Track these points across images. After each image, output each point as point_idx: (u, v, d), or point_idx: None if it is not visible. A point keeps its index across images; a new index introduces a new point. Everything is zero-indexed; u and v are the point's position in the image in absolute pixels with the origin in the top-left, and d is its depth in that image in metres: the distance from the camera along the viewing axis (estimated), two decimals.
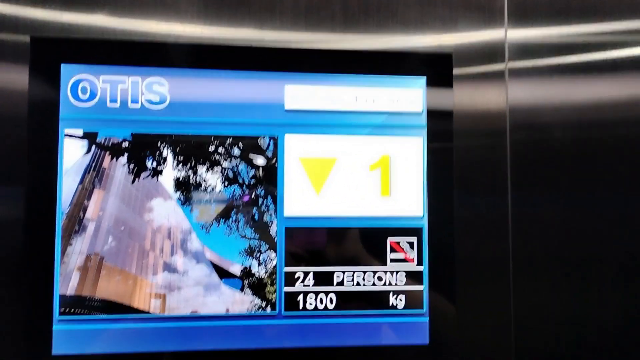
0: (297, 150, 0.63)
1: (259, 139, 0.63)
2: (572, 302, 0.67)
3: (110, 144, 0.60)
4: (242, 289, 0.61)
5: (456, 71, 0.67)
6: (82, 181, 0.60)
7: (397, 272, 0.64)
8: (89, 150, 0.60)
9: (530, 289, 0.66)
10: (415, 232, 0.64)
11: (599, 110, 0.69)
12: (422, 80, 0.66)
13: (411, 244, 0.64)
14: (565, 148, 0.68)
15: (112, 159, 0.60)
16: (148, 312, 0.60)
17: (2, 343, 0.57)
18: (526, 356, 0.65)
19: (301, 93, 0.64)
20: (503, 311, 0.66)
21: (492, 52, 0.68)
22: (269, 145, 0.63)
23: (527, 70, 0.69)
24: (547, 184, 0.67)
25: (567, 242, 0.67)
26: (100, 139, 0.60)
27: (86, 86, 0.60)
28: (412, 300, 0.64)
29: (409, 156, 0.65)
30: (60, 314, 0.58)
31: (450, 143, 0.66)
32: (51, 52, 0.60)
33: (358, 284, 0.63)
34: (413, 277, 0.64)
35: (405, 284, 0.64)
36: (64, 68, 0.60)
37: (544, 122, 0.68)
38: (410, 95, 0.65)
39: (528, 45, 0.69)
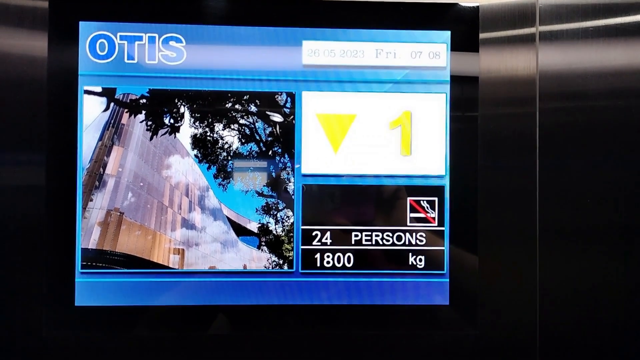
0: (314, 107, 0.62)
1: (276, 95, 0.62)
2: (599, 270, 0.64)
3: (128, 100, 0.61)
4: (259, 247, 0.61)
5: (483, 34, 0.63)
6: (101, 137, 0.60)
7: (416, 231, 0.62)
8: (107, 107, 0.60)
9: (557, 254, 0.64)
10: (437, 191, 0.62)
11: (636, 77, 0.64)
12: (447, 34, 0.63)
13: (432, 204, 0.62)
14: (599, 117, 0.64)
15: (130, 115, 0.61)
16: (167, 267, 0.60)
17: (28, 295, 0.59)
18: (551, 321, 0.63)
19: (319, 48, 0.62)
20: (527, 274, 0.63)
21: (521, 14, 0.64)
22: (286, 101, 0.62)
23: (559, 34, 0.65)
24: (578, 155, 0.64)
25: (597, 212, 0.64)
26: (118, 95, 0.60)
27: (104, 43, 0.60)
28: (432, 261, 0.62)
29: (431, 113, 0.63)
30: (82, 267, 0.59)
31: (475, 107, 0.63)
32: (70, 9, 0.60)
33: (377, 243, 0.62)
34: (434, 237, 0.62)
35: (425, 244, 0.62)
36: (82, 25, 0.60)
37: (577, 90, 0.64)
38: (433, 50, 0.63)
39: (561, 7, 0.65)
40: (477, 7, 0.63)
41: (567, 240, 0.64)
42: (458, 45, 0.63)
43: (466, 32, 0.63)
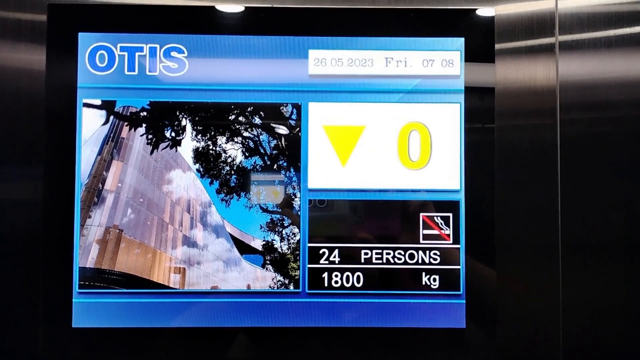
0: (321, 118, 0.59)
1: (282, 106, 0.59)
2: (625, 286, 0.59)
3: (128, 113, 0.58)
4: (263, 265, 0.58)
5: (499, 44, 0.60)
6: (100, 152, 0.58)
7: (430, 249, 0.59)
8: (107, 120, 0.58)
9: (581, 270, 0.59)
10: (451, 206, 0.59)
11: None
12: (460, 41, 0.60)
13: (446, 220, 0.59)
14: (623, 128, 0.60)
15: (130, 128, 0.58)
16: (168, 287, 0.58)
17: (23, 315, 0.57)
18: (575, 342, 0.59)
19: (326, 57, 0.59)
20: (550, 295, 0.59)
21: (540, 24, 0.61)
22: (292, 113, 0.59)
23: (580, 43, 0.61)
24: (602, 169, 0.60)
25: (622, 226, 0.60)
26: (118, 108, 0.58)
27: (104, 54, 0.58)
28: (448, 281, 0.59)
29: (445, 124, 0.59)
30: (80, 287, 0.57)
31: (491, 118, 0.59)
32: (68, 20, 0.58)
33: (388, 261, 0.58)
34: (448, 255, 0.59)
35: (439, 263, 0.59)
36: (82, 37, 0.58)
37: (599, 101, 0.60)
38: (446, 57, 0.60)
39: (582, 15, 0.61)
40: (492, 10, 0.60)
41: (591, 256, 0.60)
42: (473, 53, 0.60)
43: (481, 39, 0.60)
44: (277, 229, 0.59)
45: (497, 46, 0.60)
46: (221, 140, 0.59)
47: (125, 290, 0.57)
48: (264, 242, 0.58)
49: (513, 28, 0.61)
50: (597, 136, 0.60)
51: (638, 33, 0.61)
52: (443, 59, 0.60)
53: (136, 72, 0.58)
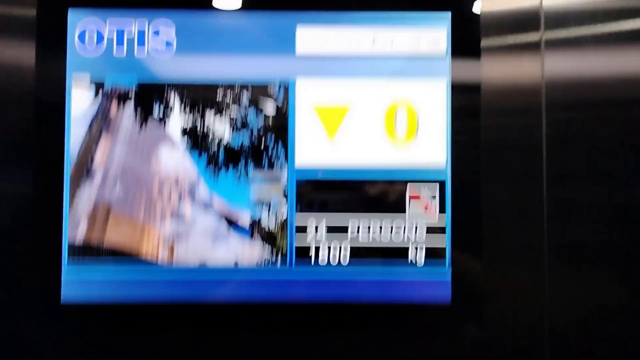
0: (309, 97, 0.60)
1: (269, 86, 0.60)
2: (613, 289, 0.60)
3: (117, 92, 0.59)
4: (251, 240, 0.59)
5: (485, 42, 0.60)
6: (89, 129, 0.59)
7: (416, 225, 0.59)
8: (96, 99, 0.59)
9: (566, 266, 0.60)
10: (438, 183, 0.59)
11: None
12: (447, 16, 0.60)
13: (433, 197, 0.59)
14: (609, 128, 0.60)
15: (119, 106, 0.59)
16: (156, 262, 0.58)
17: (12, 290, 0.57)
18: (560, 322, 0.60)
19: (314, 36, 0.60)
20: (535, 270, 0.60)
21: (526, 21, 0.61)
22: (279, 92, 0.60)
23: (566, 41, 0.61)
24: (588, 169, 0.60)
25: (608, 226, 0.60)
26: (107, 87, 0.59)
27: (93, 32, 0.59)
28: (433, 256, 0.59)
29: (431, 101, 0.60)
30: (69, 262, 0.57)
31: (477, 95, 0.60)
32: None
33: (374, 238, 0.59)
34: (434, 231, 0.59)
35: (425, 239, 0.59)
36: (71, 12, 0.59)
37: (586, 99, 0.60)
38: (432, 36, 0.60)
39: (567, 13, 0.61)
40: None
41: (576, 251, 0.60)
42: (459, 28, 0.60)
43: (468, 11, 0.60)
44: (265, 205, 0.59)
45: (483, 44, 0.60)
46: (209, 118, 0.59)
47: (113, 266, 0.58)
48: (252, 218, 0.59)
49: (499, 30, 0.60)
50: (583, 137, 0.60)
51: (624, 30, 0.61)
52: (429, 37, 0.60)
53: (125, 52, 0.59)
